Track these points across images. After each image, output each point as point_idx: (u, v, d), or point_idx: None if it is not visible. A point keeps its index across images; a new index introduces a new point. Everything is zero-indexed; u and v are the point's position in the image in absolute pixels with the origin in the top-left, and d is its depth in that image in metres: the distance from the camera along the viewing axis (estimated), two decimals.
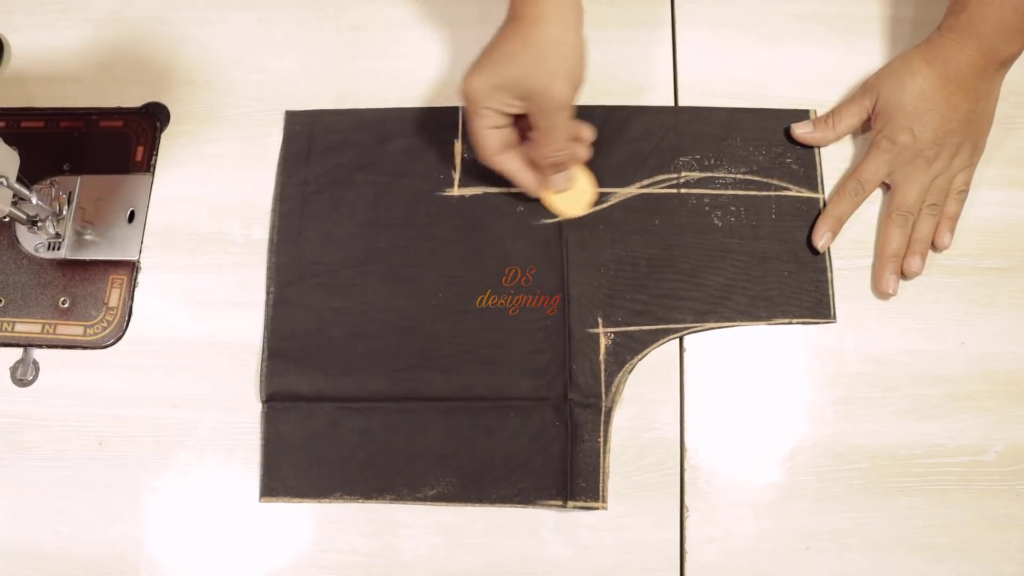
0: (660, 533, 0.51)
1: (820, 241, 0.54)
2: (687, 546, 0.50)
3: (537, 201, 0.55)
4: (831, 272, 0.54)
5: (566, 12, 0.49)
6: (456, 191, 0.57)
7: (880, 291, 0.54)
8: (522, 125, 0.52)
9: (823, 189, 0.56)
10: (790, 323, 0.54)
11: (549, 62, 0.48)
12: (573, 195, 0.55)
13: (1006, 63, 0.52)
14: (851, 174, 0.55)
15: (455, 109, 0.58)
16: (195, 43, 0.62)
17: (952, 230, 0.55)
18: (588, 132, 0.54)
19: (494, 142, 0.52)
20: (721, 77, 0.59)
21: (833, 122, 0.56)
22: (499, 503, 0.51)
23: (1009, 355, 0.53)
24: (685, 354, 0.54)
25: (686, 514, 0.51)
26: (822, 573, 0.50)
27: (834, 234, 0.55)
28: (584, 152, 0.54)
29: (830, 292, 0.54)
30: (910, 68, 0.54)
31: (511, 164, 0.53)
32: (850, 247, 0.55)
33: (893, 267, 0.54)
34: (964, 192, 0.55)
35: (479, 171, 0.56)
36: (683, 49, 0.60)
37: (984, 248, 0.55)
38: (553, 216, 0.56)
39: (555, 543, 0.51)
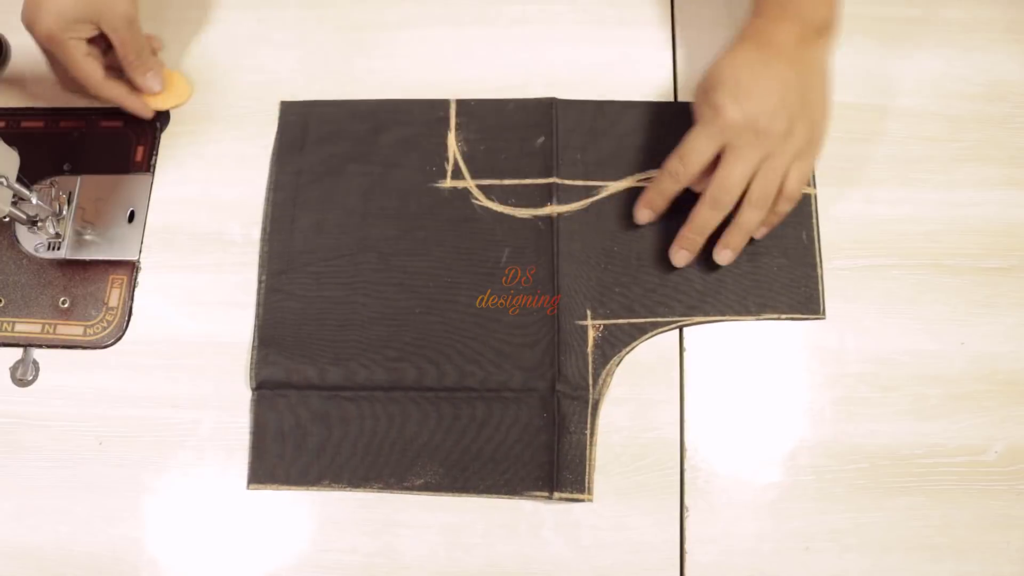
0: (660, 533, 0.51)
1: (639, 214, 0.54)
2: (687, 546, 0.50)
3: (531, 194, 0.56)
4: (821, 268, 0.54)
5: None
6: (448, 183, 0.57)
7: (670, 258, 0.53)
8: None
9: (814, 184, 0.56)
10: (779, 319, 0.54)
11: None
12: (174, 92, 0.60)
13: (822, 31, 0.51)
14: (674, 152, 0.51)
15: (447, 102, 0.58)
16: (194, 43, 0.62)
17: (772, 226, 0.53)
18: (157, 40, 0.60)
19: (96, 68, 0.55)
20: None
21: (683, 163, 0.51)
22: (485, 493, 0.51)
23: (1009, 355, 0.53)
24: (685, 354, 0.54)
25: (686, 514, 0.51)
26: (822, 573, 0.50)
27: (654, 211, 0.53)
28: (158, 45, 0.60)
29: (820, 288, 0.54)
30: (725, 50, 0.51)
31: (117, 89, 0.57)
32: (850, 246, 0.55)
33: (688, 244, 0.52)
34: (797, 193, 0.51)
35: (474, 164, 0.57)
36: (683, 49, 0.60)
37: (984, 248, 0.55)
38: (545, 207, 0.55)
39: (555, 543, 0.51)
